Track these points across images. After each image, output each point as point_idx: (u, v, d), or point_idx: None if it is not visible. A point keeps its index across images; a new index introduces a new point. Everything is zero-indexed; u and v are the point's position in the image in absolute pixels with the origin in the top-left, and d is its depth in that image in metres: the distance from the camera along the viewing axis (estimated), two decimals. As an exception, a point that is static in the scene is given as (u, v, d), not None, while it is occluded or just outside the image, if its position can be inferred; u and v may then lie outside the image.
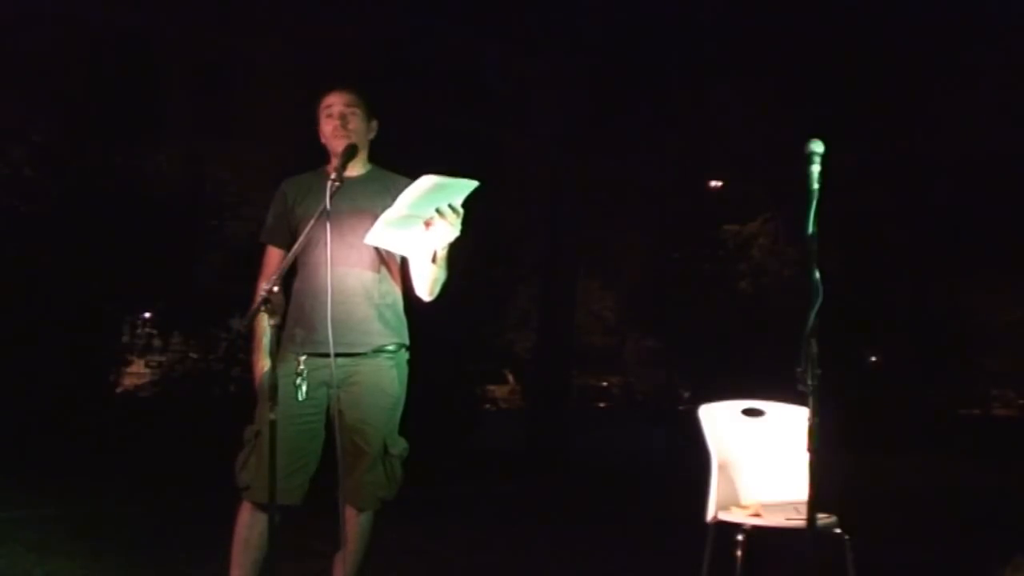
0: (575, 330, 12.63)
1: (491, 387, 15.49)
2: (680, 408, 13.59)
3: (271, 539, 2.68)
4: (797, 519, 2.87)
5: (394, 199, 2.79)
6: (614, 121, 12.19)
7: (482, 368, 12.49)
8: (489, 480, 8.62)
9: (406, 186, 2.82)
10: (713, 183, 15.83)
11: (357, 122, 3.05)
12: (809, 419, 2.36)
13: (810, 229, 2.36)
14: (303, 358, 2.88)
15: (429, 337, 3.38)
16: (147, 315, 10.94)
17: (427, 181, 2.70)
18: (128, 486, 7.03)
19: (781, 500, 3.18)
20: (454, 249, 2.96)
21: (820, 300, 2.31)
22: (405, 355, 3.09)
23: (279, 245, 3.07)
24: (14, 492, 6.23)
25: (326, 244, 2.84)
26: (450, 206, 2.79)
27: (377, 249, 2.98)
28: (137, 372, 11.35)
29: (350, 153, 2.94)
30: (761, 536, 3.02)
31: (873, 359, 16.30)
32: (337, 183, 2.76)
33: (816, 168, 2.40)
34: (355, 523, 2.97)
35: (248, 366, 3.20)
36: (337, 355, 2.84)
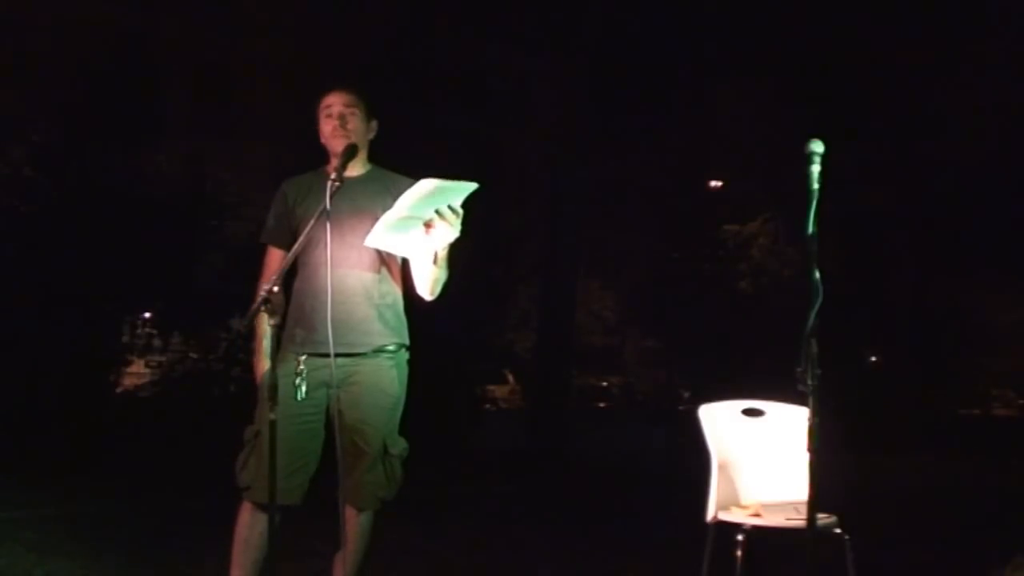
0: (575, 330, 12.64)
1: (491, 387, 15.52)
2: (680, 408, 13.59)
3: (271, 539, 2.68)
4: (797, 519, 2.87)
5: (394, 199, 2.79)
6: (614, 121, 12.19)
7: (482, 368, 12.50)
8: (489, 480, 8.61)
9: (406, 186, 2.81)
10: (713, 183, 15.84)
11: (356, 122, 3.05)
12: (809, 419, 2.36)
13: (810, 229, 2.36)
14: (303, 358, 2.89)
15: (429, 337, 3.38)
16: (147, 315, 10.94)
17: (426, 185, 2.71)
18: (128, 486, 7.03)
19: (781, 500, 3.18)
20: (454, 249, 2.96)
21: (820, 300, 2.31)
22: (405, 355, 3.09)
23: (280, 246, 3.07)
24: (14, 492, 6.23)
25: (326, 244, 2.84)
26: (449, 207, 2.79)
27: (377, 249, 2.98)
28: (137, 372, 11.36)
29: (350, 153, 2.94)
30: (761, 536, 3.02)
31: (873, 359, 16.31)
32: (337, 183, 2.76)
33: (816, 168, 2.40)
34: (355, 523, 2.97)
35: (248, 366, 3.20)
36: (337, 355, 2.84)
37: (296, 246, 2.75)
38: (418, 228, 2.83)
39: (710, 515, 3.18)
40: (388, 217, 2.79)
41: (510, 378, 20.96)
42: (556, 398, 11.19)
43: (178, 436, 8.54)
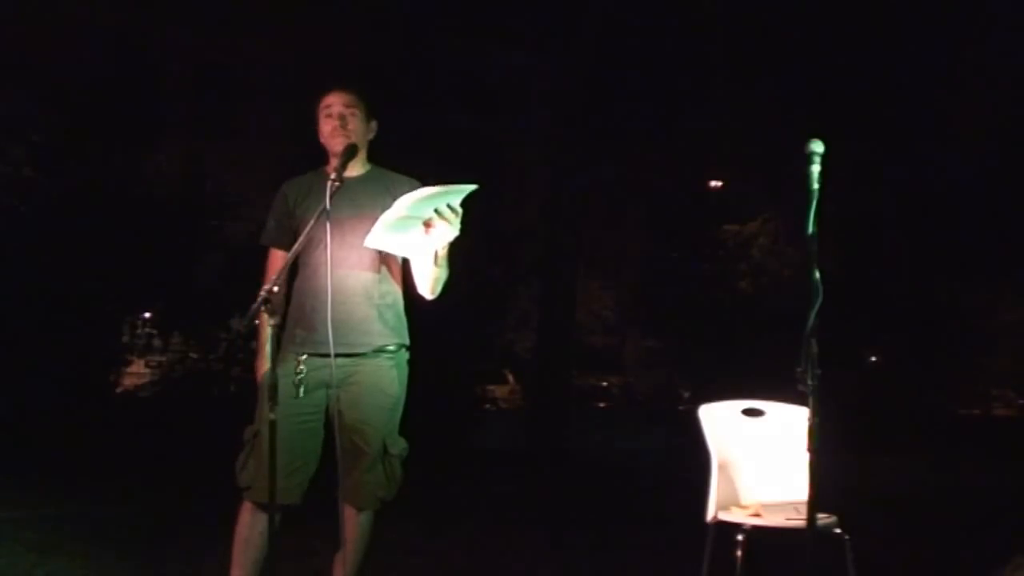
0: (575, 330, 12.64)
1: (491, 387, 15.49)
2: (680, 408, 13.59)
3: (271, 539, 2.68)
4: (797, 519, 2.87)
5: (394, 199, 2.79)
6: (614, 121, 12.19)
7: (482, 368, 12.50)
8: (489, 480, 8.61)
9: (406, 185, 2.81)
10: (713, 183, 15.84)
11: (356, 123, 3.05)
12: (809, 419, 2.36)
13: (810, 229, 2.36)
14: (303, 358, 2.89)
15: (429, 337, 3.38)
16: (147, 315, 10.94)
17: (425, 190, 2.72)
18: (128, 486, 7.03)
19: (781, 500, 3.18)
20: (454, 248, 2.96)
21: (820, 300, 2.31)
22: (405, 355, 3.09)
23: (281, 247, 3.07)
24: (14, 492, 6.23)
25: (326, 245, 2.84)
26: (449, 206, 2.79)
27: (377, 249, 2.98)
28: (137, 372, 11.35)
29: (350, 153, 2.94)
30: (761, 536, 3.02)
31: (873, 359, 16.31)
32: (337, 183, 2.76)
33: (816, 168, 2.40)
34: (355, 523, 2.97)
35: (248, 366, 3.21)
36: (337, 355, 2.85)
37: (296, 246, 2.75)
38: (418, 227, 2.83)
39: (710, 515, 3.18)
40: (387, 217, 2.79)
41: (510, 378, 20.94)
42: (556, 398, 11.19)
43: (178, 436, 8.53)
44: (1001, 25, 13.28)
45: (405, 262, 3.07)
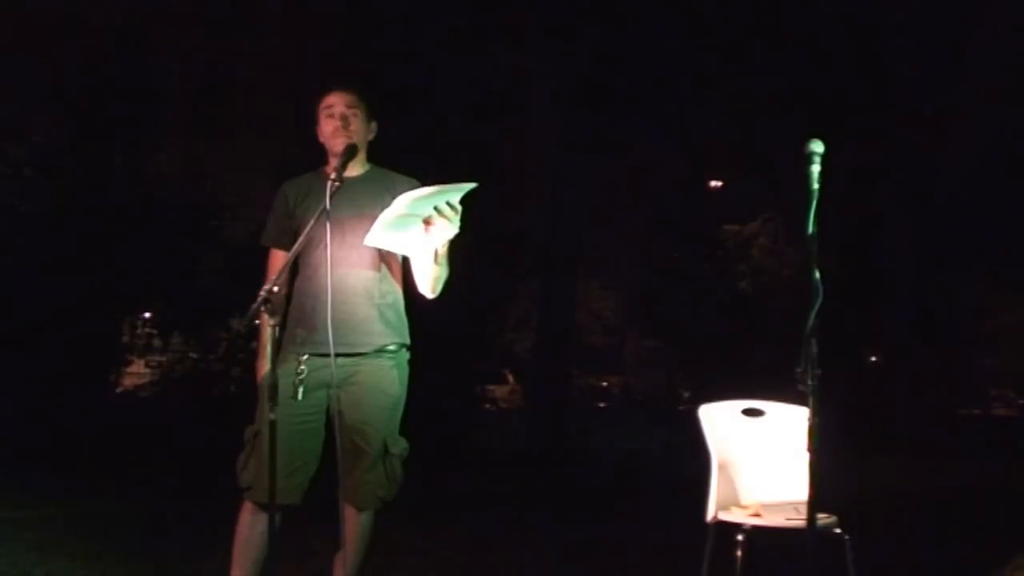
0: (575, 330, 12.65)
1: (491, 387, 15.50)
2: (680, 408, 13.59)
3: (271, 539, 2.68)
4: (797, 519, 2.87)
5: (394, 198, 2.79)
6: (614, 121, 12.19)
7: (482, 368, 12.50)
8: (489, 480, 8.61)
9: (406, 185, 2.81)
10: (713, 183, 15.84)
11: (358, 123, 3.05)
12: (809, 419, 2.36)
13: (810, 229, 2.36)
14: (304, 358, 2.89)
15: (429, 337, 3.38)
16: (147, 315, 10.94)
17: (425, 188, 2.72)
18: (128, 486, 7.03)
19: (781, 500, 3.18)
20: (454, 246, 2.96)
21: (820, 300, 2.31)
22: (406, 355, 3.09)
23: (281, 247, 3.07)
24: (14, 492, 6.23)
25: (326, 244, 2.84)
26: (448, 204, 2.79)
27: (377, 248, 2.98)
28: (137, 372, 11.35)
29: (350, 153, 2.94)
30: (761, 536, 3.02)
31: (873, 359, 16.30)
32: (337, 183, 2.76)
33: (816, 168, 2.40)
34: (355, 523, 2.97)
35: (248, 366, 3.22)
36: (338, 355, 2.85)
37: (296, 246, 2.75)
38: (417, 225, 2.83)
39: (710, 515, 3.18)
40: (387, 215, 2.79)
41: (510, 378, 20.96)
42: (556, 398, 11.20)
43: (178, 436, 8.53)
44: (1002, 25, 13.28)
45: (405, 261, 3.07)
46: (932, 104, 13.82)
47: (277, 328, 2.90)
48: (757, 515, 3.08)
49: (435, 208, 2.78)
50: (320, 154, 3.15)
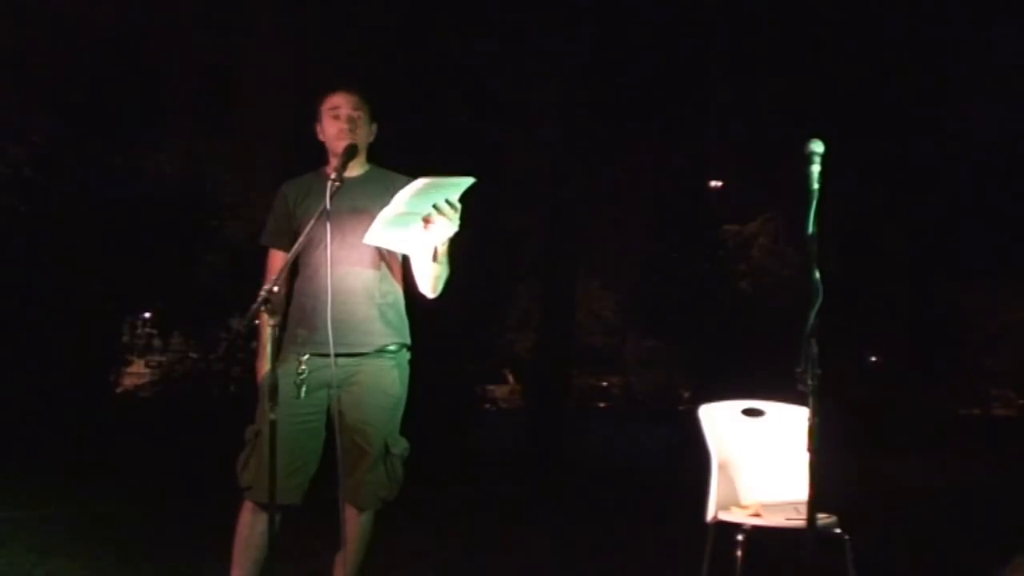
0: (575, 330, 12.64)
1: (491, 387, 15.50)
2: (680, 408, 13.58)
3: (271, 539, 2.68)
4: (797, 519, 2.87)
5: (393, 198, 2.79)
6: (614, 121, 12.19)
7: (482, 368, 12.49)
8: (489, 480, 8.61)
9: (405, 185, 2.81)
10: (713, 183, 15.82)
11: (363, 126, 3.06)
12: (809, 419, 2.36)
13: (810, 229, 2.36)
14: (305, 358, 2.89)
15: (429, 337, 3.38)
16: (147, 315, 10.94)
17: (421, 182, 2.71)
18: (128, 486, 7.02)
19: (781, 500, 3.18)
20: (455, 245, 2.96)
21: (820, 300, 2.31)
22: (407, 355, 3.09)
23: (281, 247, 3.07)
24: (14, 492, 6.23)
25: (326, 244, 2.84)
26: (447, 201, 2.79)
27: (378, 248, 2.98)
28: (137, 372, 11.35)
29: (350, 153, 2.94)
30: (761, 536, 3.02)
31: (873, 359, 16.30)
32: (337, 183, 2.76)
33: (816, 168, 2.40)
34: (356, 523, 2.97)
35: (248, 366, 3.22)
36: (339, 355, 2.85)
37: (296, 246, 2.75)
38: (417, 224, 2.83)
39: (710, 515, 3.18)
40: (386, 213, 2.79)
41: (510, 378, 20.95)
42: (556, 398, 11.19)
43: (178, 436, 8.53)
44: (1002, 25, 13.28)
45: (405, 261, 3.06)
46: (932, 104, 13.82)
47: (277, 328, 2.90)
48: (757, 515, 3.08)
49: (434, 206, 2.78)
50: (320, 154, 3.15)
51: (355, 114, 3.04)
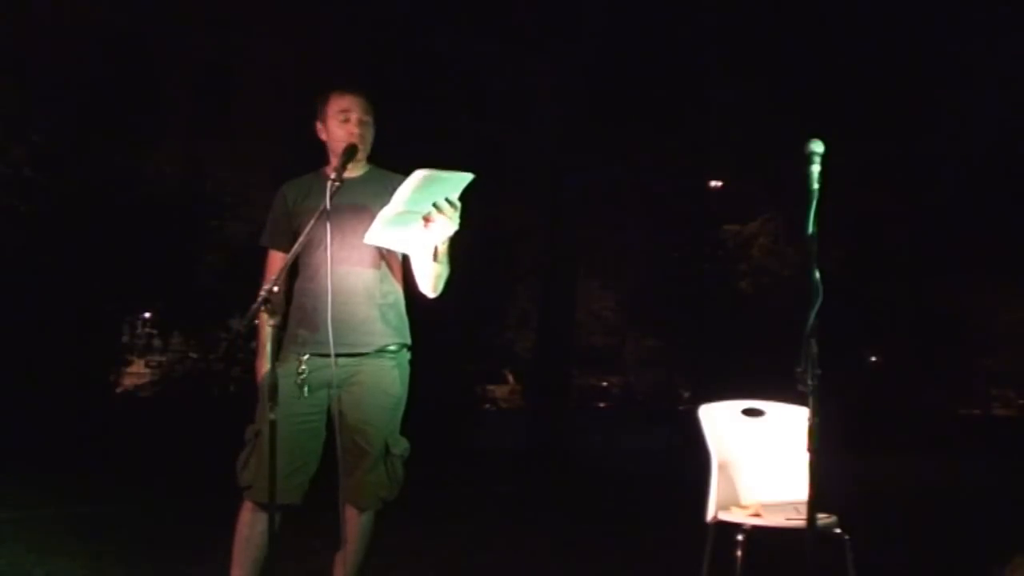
0: (575, 330, 12.65)
1: (491, 387, 15.52)
2: (680, 408, 13.59)
3: (271, 539, 2.68)
4: (797, 519, 2.87)
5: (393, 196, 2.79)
6: (614, 121, 12.19)
7: (482, 368, 12.50)
8: (489, 480, 8.62)
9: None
10: (713, 183, 15.83)
11: (370, 129, 3.06)
12: (809, 419, 2.36)
13: (810, 229, 2.36)
14: (305, 358, 2.89)
15: (430, 337, 3.38)
16: (147, 315, 10.95)
17: (420, 175, 2.70)
18: (128, 486, 7.03)
19: (781, 500, 3.18)
20: (455, 244, 2.96)
21: (820, 300, 2.31)
22: (407, 355, 3.09)
23: (280, 248, 3.06)
24: (14, 492, 6.23)
25: (327, 245, 2.84)
26: (447, 200, 2.78)
27: (378, 247, 2.98)
28: (137, 372, 11.37)
29: (350, 153, 2.94)
30: (761, 536, 3.02)
31: (873, 359, 16.31)
32: (337, 183, 2.76)
33: (816, 168, 2.40)
34: (356, 523, 2.97)
35: (248, 366, 3.22)
36: (340, 355, 2.85)
37: (296, 246, 2.75)
38: (417, 222, 2.82)
39: (710, 515, 3.18)
40: (386, 212, 2.78)
41: (510, 378, 20.97)
42: (556, 398, 11.19)
43: (178, 436, 8.53)
44: (1003, 25, 13.28)
45: (406, 261, 3.06)
46: (933, 104, 13.82)
47: (277, 328, 2.89)
48: (757, 515, 3.08)
49: (434, 205, 2.78)
50: (320, 154, 3.15)
51: (366, 118, 3.04)
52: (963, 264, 15.33)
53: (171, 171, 10.55)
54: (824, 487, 2.35)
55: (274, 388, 2.59)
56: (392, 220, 2.80)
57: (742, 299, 14.31)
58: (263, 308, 2.58)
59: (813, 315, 2.30)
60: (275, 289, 2.60)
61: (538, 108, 12.23)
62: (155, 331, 10.69)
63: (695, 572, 3.19)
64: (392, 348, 3.02)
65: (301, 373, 2.85)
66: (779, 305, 13.18)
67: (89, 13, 10.83)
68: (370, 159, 3.14)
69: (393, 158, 3.16)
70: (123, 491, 6.80)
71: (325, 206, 2.75)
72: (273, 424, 2.55)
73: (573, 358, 12.39)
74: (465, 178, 2.75)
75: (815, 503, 2.37)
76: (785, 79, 13.12)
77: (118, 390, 10.42)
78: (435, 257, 2.94)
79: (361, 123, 3.03)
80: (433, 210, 2.79)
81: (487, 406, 13.03)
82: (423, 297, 3.03)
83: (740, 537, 2.99)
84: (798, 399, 2.43)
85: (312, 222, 2.74)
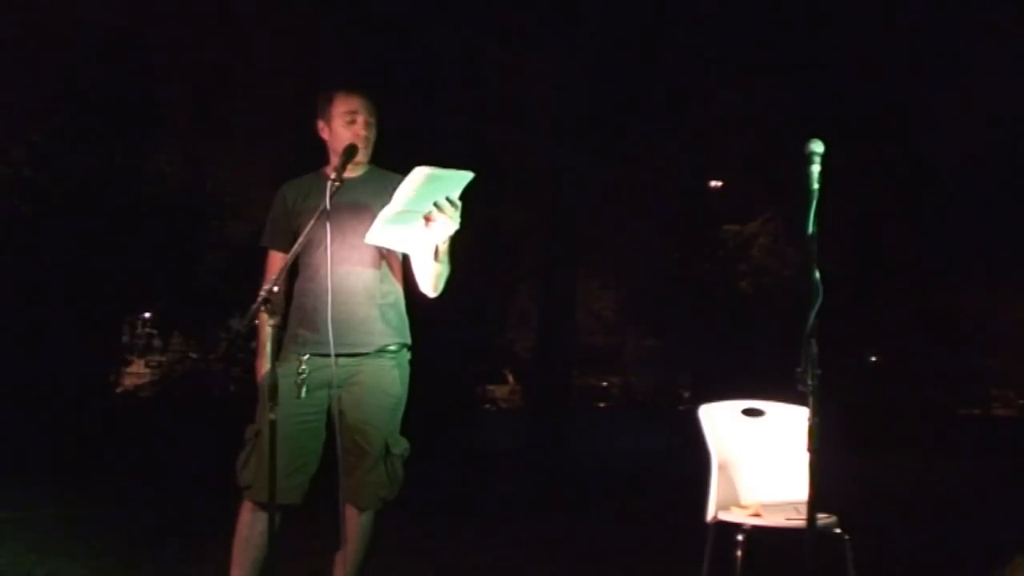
0: (575, 330, 12.65)
1: (491, 387, 15.51)
2: (680, 408, 13.59)
3: (271, 538, 2.68)
4: (797, 519, 2.87)
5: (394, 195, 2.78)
6: (614, 121, 12.19)
7: (482, 368, 12.50)
8: (489, 480, 8.62)
9: (404, 185, 2.80)
10: (713, 183, 15.83)
11: (374, 132, 3.06)
12: (809, 419, 2.36)
13: (810, 229, 2.36)
14: (305, 358, 2.89)
15: (429, 337, 3.38)
16: (147, 315, 10.94)
17: (420, 173, 2.69)
18: (128, 486, 7.03)
19: (781, 500, 3.18)
20: (455, 243, 2.96)
21: (820, 300, 2.31)
22: (407, 355, 3.09)
23: (280, 248, 3.06)
24: (14, 492, 6.23)
25: (327, 245, 2.84)
26: (448, 199, 2.78)
27: (378, 247, 2.98)
28: (137, 372, 11.36)
29: (350, 153, 2.94)
30: (761, 536, 3.02)
31: (873, 359, 16.30)
32: (337, 183, 2.76)
33: (816, 168, 2.40)
34: (356, 523, 2.97)
35: (248, 366, 3.22)
36: (340, 355, 2.85)
37: (296, 246, 2.75)
38: (418, 222, 2.82)
39: (710, 515, 3.18)
40: (387, 212, 2.78)
41: (510, 378, 20.95)
42: (556, 398, 11.18)
43: (178, 436, 8.53)
44: (1003, 25, 13.28)
45: (406, 260, 3.06)
46: (932, 104, 13.82)
47: (277, 328, 2.89)
48: (757, 515, 3.08)
49: (435, 204, 2.78)
50: (320, 154, 3.15)
51: (371, 120, 3.05)
52: (963, 264, 15.32)
53: (171, 171, 10.54)
54: (824, 487, 2.35)
55: (274, 388, 2.59)
56: (393, 219, 2.80)
57: (742, 299, 14.29)
58: (263, 308, 2.58)
59: (813, 315, 2.30)
60: (275, 289, 2.60)
61: (538, 108, 12.23)
62: (155, 331, 10.68)
63: (695, 572, 3.19)
64: (392, 348, 3.02)
65: (301, 373, 2.85)
66: (779, 305, 13.17)
67: (89, 13, 10.83)
68: (370, 159, 3.14)
69: (393, 158, 3.16)
70: (123, 491, 6.80)
71: (325, 206, 2.75)
72: (273, 424, 2.55)
73: (573, 358, 12.38)
74: (465, 177, 2.75)
75: (815, 503, 2.37)
76: (785, 79, 13.12)
77: (118, 390, 10.42)
78: (436, 256, 2.94)
79: (367, 124, 3.03)
80: (434, 209, 2.79)
81: (487, 406, 13.03)
82: (423, 297, 3.03)
83: (740, 537, 2.99)
84: (798, 399, 2.43)
85: (312, 222, 2.74)
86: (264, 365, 2.93)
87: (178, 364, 10.51)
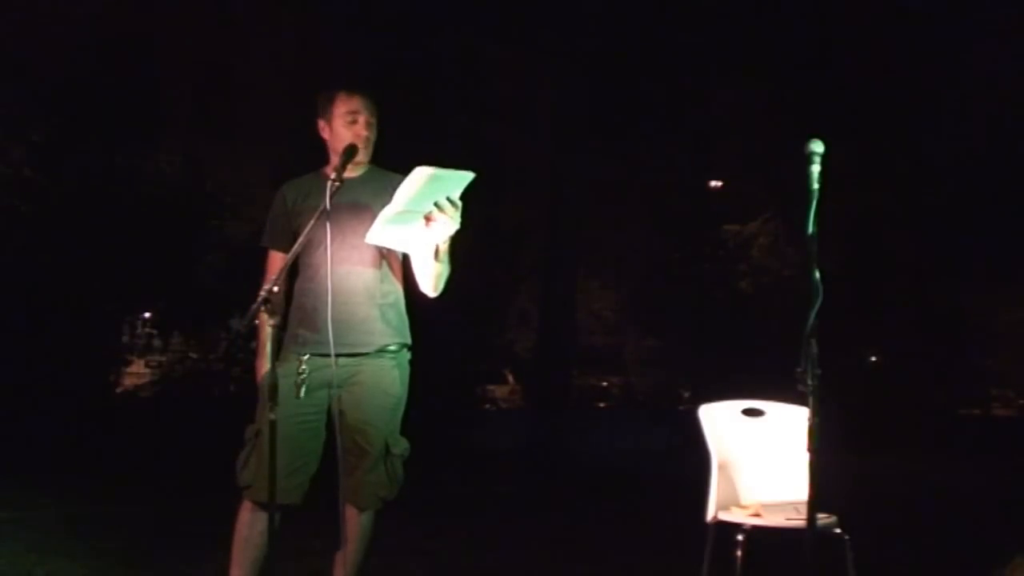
0: (575, 330, 12.65)
1: (491, 387, 15.51)
2: (680, 408, 13.58)
3: (271, 538, 2.68)
4: (797, 519, 2.87)
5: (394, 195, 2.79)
6: (614, 121, 12.19)
7: (482, 368, 12.50)
8: (489, 480, 8.61)
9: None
10: (713, 183, 15.82)
11: (375, 132, 3.06)
12: (809, 419, 2.36)
13: (810, 229, 2.36)
14: (305, 358, 2.89)
15: (430, 337, 3.38)
16: (147, 315, 10.95)
17: (421, 173, 2.69)
18: (128, 486, 7.03)
19: (781, 500, 3.18)
20: (455, 243, 2.96)
21: (820, 300, 2.31)
22: (407, 355, 3.09)
23: (280, 248, 3.06)
24: (14, 492, 6.23)
25: (327, 245, 2.84)
26: (448, 199, 2.78)
27: (378, 247, 2.98)
28: (137, 372, 11.36)
29: (350, 153, 2.94)
30: (761, 536, 3.02)
31: (873, 359, 16.29)
32: (337, 183, 2.76)
33: (816, 168, 2.40)
34: (356, 523, 2.98)
35: (248, 366, 3.22)
36: (340, 355, 2.85)
37: (296, 246, 2.75)
38: (418, 222, 2.82)
39: (710, 515, 3.18)
40: (387, 211, 2.78)
41: (510, 378, 20.96)
42: (556, 398, 11.19)
43: (178, 436, 8.54)
44: (1002, 25, 13.28)
45: (406, 260, 3.06)
46: (934, 104, 13.81)
47: (277, 328, 2.90)
48: (757, 515, 3.08)
49: (435, 204, 2.78)
50: (320, 154, 3.15)
51: (372, 120, 3.05)
52: (963, 264, 15.31)
53: (171, 171, 10.55)
54: (824, 487, 2.35)
55: (274, 388, 2.59)
56: (393, 219, 2.80)
57: (742, 299, 14.29)
58: (263, 308, 2.58)
59: (813, 315, 2.30)
60: (275, 289, 2.60)
61: (538, 108, 12.23)
62: (155, 331, 10.69)
63: (695, 572, 3.19)
64: (392, 348, 3.02)
65: (301, 373, 2.85)
66: (779, 305, 13.17)
67: (89, 13, 10.83)
68: (370, 159, 3.14)
69: (393, 158, 3.16)
70: (123, 491, 6.80)
71: (325, 206, 2.75)
72: (273, 424, 2.55)
73: (573, 358, 12.39)
74: (466, 177, 2.75)
75: (815, 503, 2.37)
76: (785, 79, 13.12)
77: (118, 390, 10.43)
78: (436, 256, 2.94)
79: (368, 125, 3.03)
80: (434, 209, 2.79)
81: (487, 406, 13.02)
82: (423, 297, 3.03)
83: (740, 537, 2.99)
84: (798, 399, 2.43)
85: (312, 222, 2.74)
86: (264, 365, 2.93)
87: (178, 364, 10.52)
